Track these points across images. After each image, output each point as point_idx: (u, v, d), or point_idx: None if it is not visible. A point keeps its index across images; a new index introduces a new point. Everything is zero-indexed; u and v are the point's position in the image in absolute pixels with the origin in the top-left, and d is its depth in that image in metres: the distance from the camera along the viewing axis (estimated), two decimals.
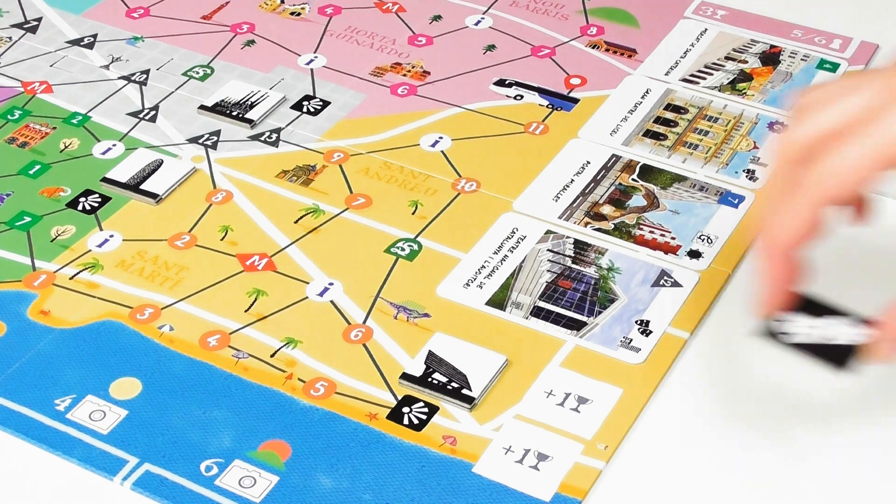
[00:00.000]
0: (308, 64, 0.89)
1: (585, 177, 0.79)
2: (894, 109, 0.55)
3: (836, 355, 0.59)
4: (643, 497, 0.62)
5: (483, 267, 0.73)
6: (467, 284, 0.72)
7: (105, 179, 0.80)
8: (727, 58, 0.89)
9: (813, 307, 0.60)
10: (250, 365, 0.68)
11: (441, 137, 0.83)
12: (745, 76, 0.87)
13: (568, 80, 0.87)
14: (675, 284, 0.72)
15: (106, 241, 0.76)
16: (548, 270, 0.73)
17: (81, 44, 0.91)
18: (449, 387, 0.66)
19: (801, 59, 0.88)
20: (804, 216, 0.56)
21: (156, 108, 0.85)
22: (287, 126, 0.84)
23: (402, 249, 0.75)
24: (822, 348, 0.59)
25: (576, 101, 0.85)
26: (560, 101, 0.85)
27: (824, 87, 0.59)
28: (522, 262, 0.74)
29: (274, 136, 0.83)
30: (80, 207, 0.78)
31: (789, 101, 0.60)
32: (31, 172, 0.80)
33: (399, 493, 0.62)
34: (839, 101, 0.57)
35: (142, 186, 0.79)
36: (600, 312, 0.71)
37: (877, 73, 0.57)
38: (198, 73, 0.88)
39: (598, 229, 0.76)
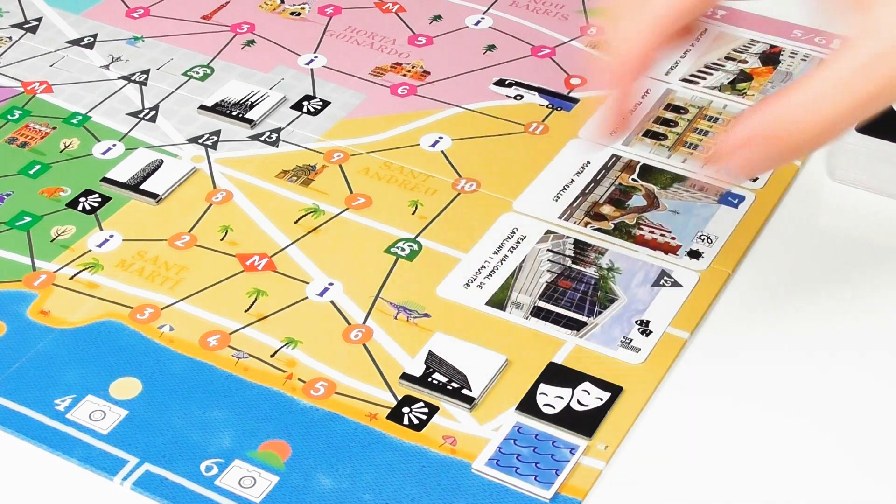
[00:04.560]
0: (308, 64, 0.89)
1: (585, 177, 0.79)
2: None
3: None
4: (643, 497, 0.62)
5: (483, 267, 0.73)
6: (467, 284, 0.72)
7: (105, 179, 0.80)
8: (727, 58, 0.89)
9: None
10: (250, 365, 0.68)
11: (441, 137, 0.83)
12: (745, 76, 0.87)
13: (568, 80, 0.87)
14: (675, 284, 0.72)
15: (106, 241, 0.76)
16: (548, 270, 0.73)
17: (81, 44, 0.91)
18: (449, 387, 0.66)
19: (801, 59, 0.88)
20: (649, 33, 0.58)
21: (156, 108, 0.85)
22: (287, 126, 0.84)
23: (402, 249, 0.75)
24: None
25: (576, 101, 0.85)
26: (560, 101, 0.85)
27: None
28: (522, 262, 0.74)
29: (274, 136, 0.83)
30: (80, 207, 0.78)
31: None
32: (31, 172, 0.80)
33: (399, 493, 0.62)
34: None
35: (142, 186, 0.79)
36: (600, 312, 0.71)
37: None
38: (198, 73, 0.88)
39: (598, 229, 0.75)
